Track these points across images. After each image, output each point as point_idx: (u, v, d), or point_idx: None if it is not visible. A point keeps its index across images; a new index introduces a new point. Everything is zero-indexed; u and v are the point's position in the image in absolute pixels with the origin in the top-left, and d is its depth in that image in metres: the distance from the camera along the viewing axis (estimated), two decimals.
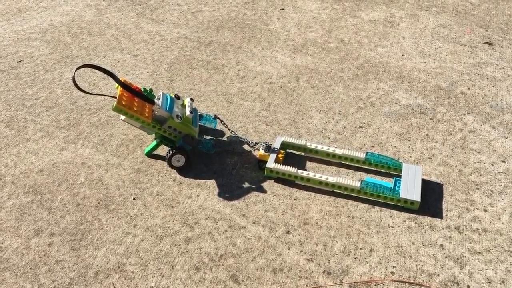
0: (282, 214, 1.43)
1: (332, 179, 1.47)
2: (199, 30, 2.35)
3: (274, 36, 2.29)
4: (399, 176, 1.52)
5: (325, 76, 2.01)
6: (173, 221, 1.41)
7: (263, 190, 1.50)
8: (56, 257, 1.31)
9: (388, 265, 1.29)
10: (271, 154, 1.55)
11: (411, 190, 1.43)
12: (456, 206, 1.45)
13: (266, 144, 1.56)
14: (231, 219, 1.41)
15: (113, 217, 1.42)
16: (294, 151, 1.64)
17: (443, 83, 1.97)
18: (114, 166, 1.59)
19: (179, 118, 1.50)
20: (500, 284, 1.24)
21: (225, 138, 1.70)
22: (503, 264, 1.29)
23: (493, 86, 1.96)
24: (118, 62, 2.12)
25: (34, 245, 1.34)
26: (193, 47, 2.21)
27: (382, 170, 1.56)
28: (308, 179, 1.49)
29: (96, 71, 2.01)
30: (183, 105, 1.58)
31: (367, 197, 1.47)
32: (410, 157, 1.62)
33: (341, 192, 1.48)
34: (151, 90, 1.55)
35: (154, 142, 1.60)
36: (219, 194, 1.49)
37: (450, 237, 1.36)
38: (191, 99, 1.59)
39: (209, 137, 1.69)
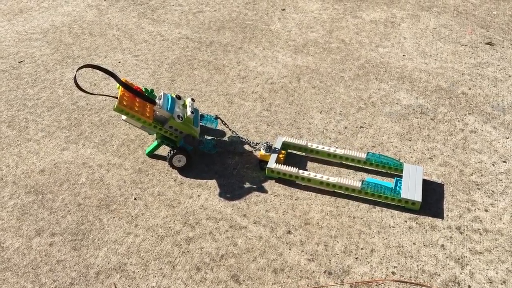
0: (283, 214, 1.43)
1: (333, 179, 1.47)
2: (200, 31, 2.35)
3: (275, 37, 2.29)
4: (400, 176, 1.52)
5: (326, 76, 2.02)
6: (174, 221, 1.41)
7: (264, 190, 1.50)
8: (57, 257, 1.31)
9: (389, 265, 1.29)
10: (272, 154, 1.55)
11: (412, 190, 1.43)
12: (457, 206, 1.45)
13: (267, 144, 1.56)
14: (232, 219, 1.41)
15: (114, 217, 1.42)
16: (295, 151, 1.64)
17: (444, 84, 1.97)
18: (115, 166, 1.59)
19: (180, 118, 1.50)
20: (501, 284, 1.24)
21: (226, 138, 1.70)
22: (504, 264, 1.29)
23: (494, 87, 1.96)
24: (119, 62, 2.12)
25: (35, 245, 1.34)
26: (194, 47, 2.22)
27: (383, 170, 1.56)
28: (309, 179, 1.49)
29: (97, 71, 2.01)
30: (184, 105, 1.58)
31: (368, 197, 1.47)
32: (411, 157, 1.62)
33: (342, 192, 1.49)
34: (152, 90, 1.55)
35: (155, 142, 1.60)
36: (220, 194, 1.49)
37: (451, 237, 1.36)
38: (192, 99, 1.59)
39: (210, 137, 1.69)
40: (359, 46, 2.22)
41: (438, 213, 1.43)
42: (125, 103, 1.43)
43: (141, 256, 1.31)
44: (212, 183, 1.53)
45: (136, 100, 1.48)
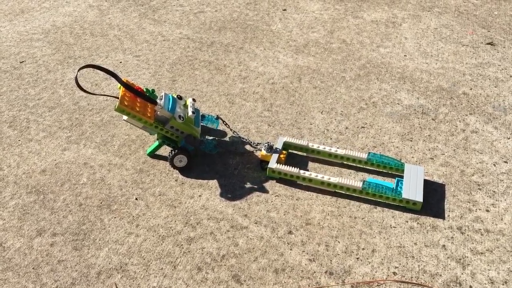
0: (284, 214, 1.43)
1: (334, 180, 1.47)
2: (201, 31, 2.35)
3: (276, 37, 2.29)
4: (401, 177, 1.52)
5: (327, 77, 2.02)
6: (175, 221, 1.41)
7: (265, 191, 1.50)
8: (59, 257, 1.31)
9: (390, 266, 1.29)
10: (273, 154, 1.55)
11: (413, 191, 1.43)
12: (458, 207, 1.45)
13: (268, 145, 1.56)
14: (233, 219, 1.41)
15: (115, 217, 1.42)
16: (296, 152, 1.64)
17: (445, 84, 1.97)
18: (117, 166, 1.59)
19: (181, 119, 1.50)
20: (503, 284, 1.24)
21: (227, 139, 1.70)
22: (506, 264, 1.29)
23: (496, 87, 1.96)
24: (121, 62, 2.12)
25: (36, 245, 1.34)
26: (195, 47, 2.22)
27: (384, 171, 1.56)
28: (310, 180, 1.49)
29: (98, 71, 2.01)
30: (185, 106, 1.58)
31: (369, 198, 1.47)
32: (412, 157, 1.62)
33: (343, 192, 1.48)
34: (153, 90, 1.55)
35: (157, 143, 1.60)
36: (221, 194, 1.49)
37: (452, 237, 1.36)
38: (193, 100, 1.59)
39: (211, 138, 1.69)
40: (360, 46, 2.22)
41: (439, 213, 1.43)
42: (126, 103, 1.43)
43: (142, 256, 1.31)
44: (213, 183, 1.53)
45: (137, 100, 1.48)
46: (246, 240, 1.35)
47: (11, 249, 1.34)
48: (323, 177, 1.48)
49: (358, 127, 1.75)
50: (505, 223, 1.40)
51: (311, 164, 1.60)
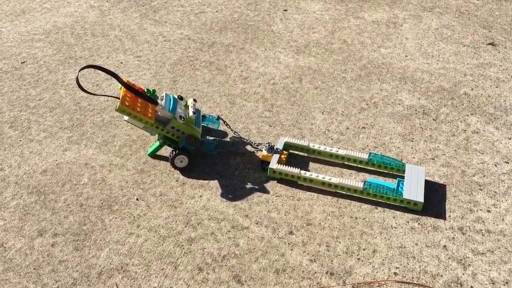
0: (285, 215, 1.43)
1: (335, 180, 1.47)
2: (202, 31, 2.35)
3: (277, 37, 2.29)
4: (402, 177, 1.51)
5: (328, 77, 2.02)
6: (176, 221, 1.41)
7: (266, 191, 1.50)
8: (60, 257, 1.31)
9: (391, 266, 1.29)
10: (274, 154, 1.55)
11: (414, 191, 1.43)
12: (460, 207, 1.45)
13: (269, 145, 1.56)
14: (234, 220, 1.41)
15: (116, 218, 1.42)
16: (297, 152, 1.64)
17: (446, 84, 1.97)
18: (117, 166, 1.59)
19: (182, 119, 1.50)
20: (504, 285, 1.24)
21: (228, 139, 1.70)
22: (507, 265, 1.29)
23: (497, 87, 1.95)
24: (121, 63, 2.12)
25: (37, 245, 1.34)
26: (196, 48, 2.22)
27: (385, 171, 1.56)
28: (311, 180, 1.49)
29: (99, 72, 2.01)
30: (186, 106, 1.58)
31: (370, 198, 1.47)
32: (413, 158, 1.62)
33: (344, 193, 1.48)
34: (154, 91, 1.55)
35: (157, 143, 1.60)
36: (222, 195, 1.49)
37: (453, 238, 1.36)
38: (194, 100, 1.59)
39: (212, 138, 1.69)
40: (361, 46, 2.22)
41: (440, 213, 1.43)
42: (127, 104, 1.43)
43: (143, 257, 1.31)
44: (214, 183, 1.53)
45: (138, 100, 1.48)
46: (247, 240, 1.35)
47: (12, 249, 1.34)
48: (324, 178, 1.48)
49: (359, 128, 1.75)
50: (506, 224, 1.39)
51: (312, 165, 1.60)
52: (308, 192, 1.50)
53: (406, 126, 1.75)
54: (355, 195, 1.47)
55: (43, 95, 1.93)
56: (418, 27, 2.36)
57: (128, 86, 1.47)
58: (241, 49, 2.21)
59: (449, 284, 1.24)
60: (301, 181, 1.51)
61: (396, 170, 1.55)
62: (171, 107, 1.51)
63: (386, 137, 1.70)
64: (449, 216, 1.42)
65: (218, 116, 1.70)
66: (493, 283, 1.24)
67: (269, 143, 1.58)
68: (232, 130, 1.69)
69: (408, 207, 1.44)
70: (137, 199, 1.48)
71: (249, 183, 1.53)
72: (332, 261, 1.30)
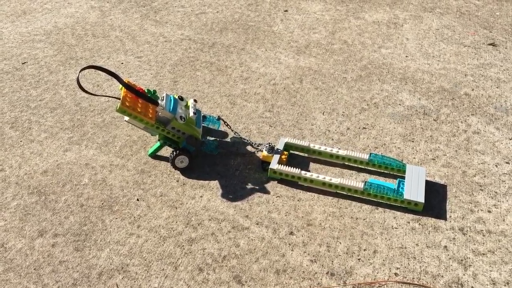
0: (286, 215, 1.43)
1: (335, 180, 1.47)
2: (202, 32, 2.35)
3: (278, 38, 2.29)
4: (403, 177, 1.51)
5: (328, 78, 2.01)
6: (177, 222, 1.41)
7: (266, 191, 1.50)
8: (60, 258, 1.31)
9: (391, 267, 1.28)
10: (275, 155, 1.55)
11: (414, 191, 1.43)
12: (460, 208, 1.45)
13: (269, 145, 1.56)
14: (235, 220, 1.41)
15: (116, 218, 1.42)
16: (297, 152, 1.63)
17: (447, 84, 1.97)
18: (118, 167, 1.59)
19: (183, 119, 1.50)
20: (505, 285, 1.24)
21: (228, 139, 1.70)
22: (508, 265, 1.28)
23: (497, 87, 1.95)
24: (122, 63, 2.12)
25: (38, 246, 1.34)
26: (196, 48, 2.22)
27: (386, 171, 1.56)
28: (312, 180, 1.49)
29: (100, 72, 2.01)
30: (187, 106, 1.58)
31: (370, 198, 1.47)
32: (414, 158, 1.62)
33: (345, 193, 1.48)
34: (154, 91, 1.55)
35: (158, 143, 1.60)
36: (223, 195, 1.49)
37: (454, 238, 1.36)
38: (195, 100, 1.60)
39: (213, 138, 1.69)
40: (362, 47, 2.22)
41: (441, 214, 1.43)
42: (127, 104, 1.43)
43: (143, 257, 1.31)
44: (215, 184, 1.53)
45: (139, 101, 1.48)
46: (247, 241, 1.35)
47: (13, 249, 1.34)
48: (324, 178, 1.48)
49: (359, 128, 1.75)
50: (507, 224, 1.39)
51: (312, 165, 1.60)
52: (308, 193, 1.50)
53: (406, 127, 1.75)
54: (356, 195, 1.47)
55: (44, 95, 1.93)
56: (418, 28, 2.36)
57: (128, 87, 1.47)
58: (241, 49, 2.21)
59: (449, 285, 1.24)
60: (302, 182, 1.51)
61: (396, 171, 1.54)
62: (171, 108, 1.51)
63: (387, 138, 1.70)
64: (450, 216, 1.42)
65: (218, 116, 1.70)
66: (494, 283, 1.24)
67: (269, 143, 1.58)
68: (232, 130, 1.69)
69: (408, 207, 1.43)
70: (137, 200, 1.48)
71: (249, 184, 1.53)
72: (332, 261, 1.30)
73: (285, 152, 1.59)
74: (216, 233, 1.37)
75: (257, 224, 1.40)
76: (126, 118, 1.48)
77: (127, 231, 1.38)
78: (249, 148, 1.66)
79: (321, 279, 1.26)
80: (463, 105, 1.86)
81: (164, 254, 1.32)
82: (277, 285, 1.24)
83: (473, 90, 1.94)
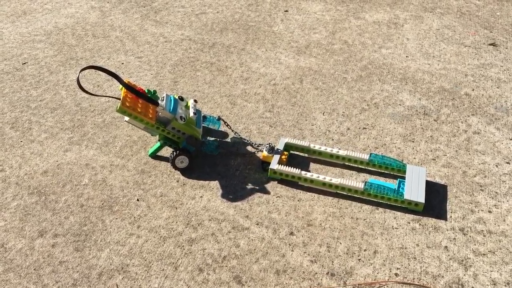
0: (286, 216, 1.42)
1: (335, 181, 1.47)
2: (203, 32, 2.35)
3: (278, 38, 2.29)
4: (403, 178, 1.51)
5: (328, 78, 2.01)
6: (177, 222, 1.41)
7: (266, 191, 1.50)
8: (60, 258, 1.31)
9: (392, 267, 1.28)
10: (275, 155, 1.55)
11: (415, 192, 1.43)
12: (461, 208, 1.44)
13: (269, 146, 1.56)
14: (235, 220, 1.41)
15: (116, 218, 1.42)
16: (297, 153, 1.63)
17: (447, 85, 1.97)
18: (118, 167, 1.59)
19: (183, 120, 1.50)
20: (505, 286, 1.24)
21: (228, 140, 1.70)
22: (508, 266, 1.28)
23: (498, 88, 1.95)
24: (122, 63, 2.12)
25: (38, 246, 1.34)
26: (197, 48, 2.22)
27: (386, 172, 1.56)
28: (312, 181, 1.49)
29: (100, 72, 2.01)
30: (187, 107, 1.58)
31: (371, 199, 1.46)
32: (414, 158, 1.62)
33: (345, 193, 1.48)
34: (155, 91, 1.55)
35: (158, 144, 1.60)
36: (223, 195, 1.49)
37: (454, 238, 1.35)
38: (195, 101, 1.59)
39: (213, 139, 1.69)
40: (362, 47, 2.22)
41: (441, 214, 1.42)
42: (128, 104, 1.43)
43: (143, 257, 1.31)
44: (215, 184, 1.53)
45: (139, 101, 1.48)
46: (247, 241, 1.35)
47: (13, 250, 1.34)
48: (324, 178, 1.47)
49: (359, 128, 1.75)
50: (507, 224, 1.39)
51: (312, 165, 1.60)
52: (308, 193, 1.50)
53: (407, 127, 1.75)
54: (356, 195, 1.47)
55: (44, 96, 1.93)
56: (419, 28, 2.36)
57: (128, 87, 1.47)
58: (242, 49, 2.21)
59: (450, 285, 1.24)
60: (302, 182, 1.51)
61: (397, 171, 1.54)
62: (171, 108, 1.51)
63: (387, 138, 1.70)
64: (450, 216, 1.42)
65: (218, 116, 1.70)
66: (494, 284, 1.24)
67: (269, 143, 1.58)
68: (232, 130, 1.69)
69: (409, 207, 1.43)
70: (137, 200, 1.48)
71: (249, 184, 1.53)
72: (332, 261, 1.30)
73: (285, 152, 1.59)
74: (216, 234, 1.37)
75: (257, 224, 1.40)
76: (126, 118, 1.48)
77: (127, 231, 1.38)
78: (249, 148, 1.66)
79: (321, 280, 1.25)
80: (464, 105, 1.86)
81: (164, 255, 1.32)
82: (277, 285, 1.24)
83: (473, 90, 1.94)
